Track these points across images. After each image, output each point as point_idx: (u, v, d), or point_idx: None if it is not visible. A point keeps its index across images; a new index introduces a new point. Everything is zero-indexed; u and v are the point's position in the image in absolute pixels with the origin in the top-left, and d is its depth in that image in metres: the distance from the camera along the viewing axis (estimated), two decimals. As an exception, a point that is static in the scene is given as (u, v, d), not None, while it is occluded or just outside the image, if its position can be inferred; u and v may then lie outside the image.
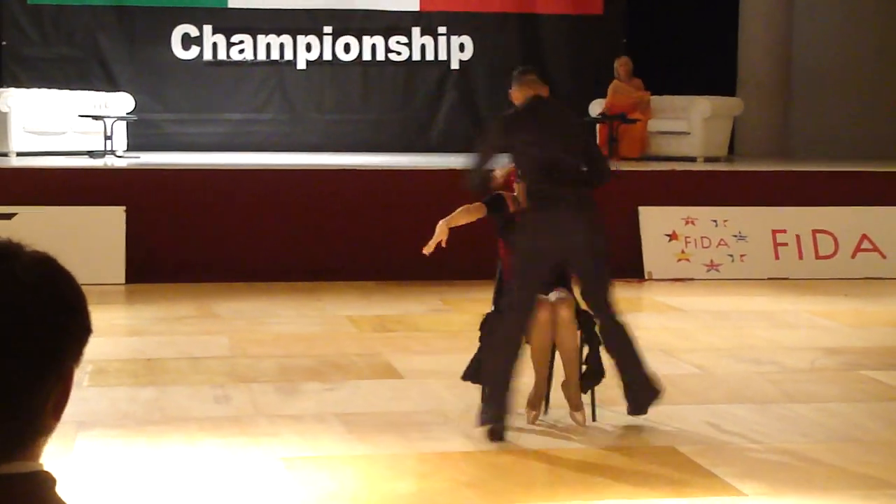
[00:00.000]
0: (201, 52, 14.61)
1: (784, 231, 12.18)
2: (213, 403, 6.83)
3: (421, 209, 11.76)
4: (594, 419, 6.43)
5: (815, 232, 12.24)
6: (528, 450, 5.93)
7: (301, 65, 14.76)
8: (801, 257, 12.16)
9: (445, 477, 5.49)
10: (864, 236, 12.26)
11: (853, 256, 12.23)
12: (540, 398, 6.43)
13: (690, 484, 5.42)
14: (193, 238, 11.29)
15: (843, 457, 5.93)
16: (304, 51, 14.74)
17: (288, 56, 14.73)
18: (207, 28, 14.63)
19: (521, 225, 6.37)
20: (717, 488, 5.36)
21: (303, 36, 14.74)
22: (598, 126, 13.85)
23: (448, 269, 11.49)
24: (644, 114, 13.91)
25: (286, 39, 14.73)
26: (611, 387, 6.59)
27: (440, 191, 11.85)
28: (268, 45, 14.71)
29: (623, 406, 6.50)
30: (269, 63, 14.72)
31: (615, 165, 12.76)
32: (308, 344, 8.56)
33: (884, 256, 12.23)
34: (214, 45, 14.64)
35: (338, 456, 5.80)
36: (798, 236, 12.19)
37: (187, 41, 14.62)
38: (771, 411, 6.83)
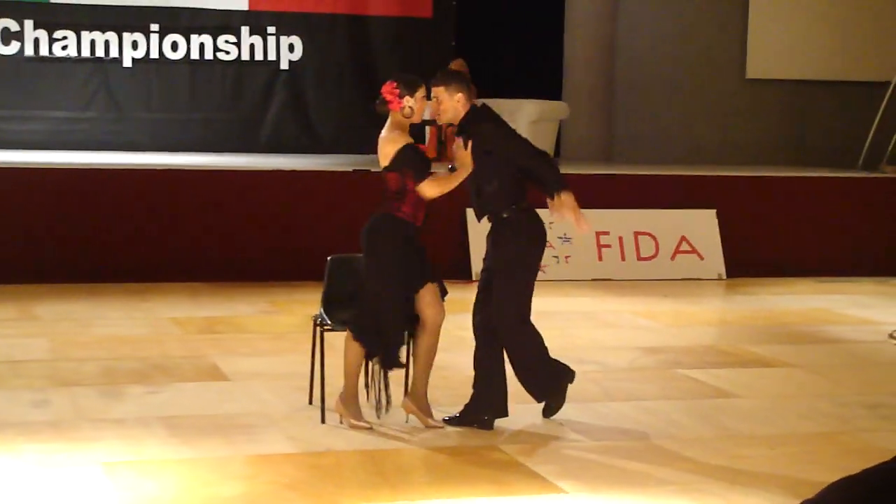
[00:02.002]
0: (22, 47, 14.24)
1: (607, 233, 12.46)
2: (32, 408, 6.68)
3: (250, 210, 11.70)
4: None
5: (636, 234, 12.55)
6: (352, 451, 5.96)
7: (127, 62, 14.49)
8: (623, 259, 12.46)
9: (269, 479, 5.48)
10: (683, 238, 12.63)
11: (673, 258, 12.58)
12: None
13: (512, 482, 5.52)
14: (12, 238, 11.02)
15: (660, 454, 6.10)
16: (130, 48, 14.48)
17: (113, 53, 14.45)
18: (29, 23, 14.25)
19: (530, 235, 6.56)
20: (538, 486, 5.47)
21: (128, 33, 14.47)
22: (427, 129, 13.95)
23: (276, 271, 11.47)
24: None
25: (111, 36, 14.45)
26: (435, 387, 6.66)
27: (269, 191, 11.82)
28: (92, 42, 14.40)
29: (449, 406, 6.60)
30: (94, 60, 14.42)
31: (442, 168, 12.91)
32: (133, 346, 8.43)
33: (702, 258, 12.61)
34: (36, 40, 14.28)
35: (160, 460, 5.74)
36: (621, 238, 12.49)
37: (7, 36, 14.23)
38: (592, 410, 6.99)
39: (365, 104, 14.96)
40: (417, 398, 6.45)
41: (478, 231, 12.05)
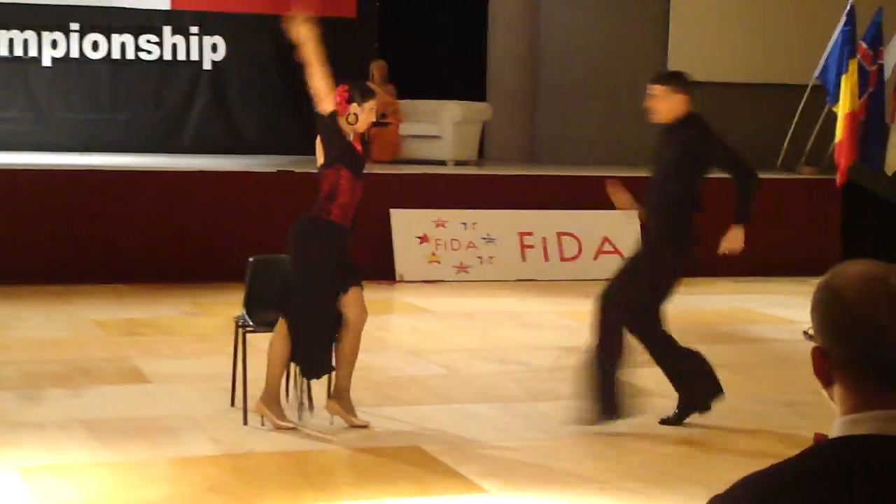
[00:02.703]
0: (-61, 46, 14.04)
1: (531, 234, 12.53)
2: (-51, 412, 6.59)
3: (174, 211, 11.62)
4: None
5: (559, 234, 12.63)
6: (275, 452, 5.95)
7: (46, 62, 14.32)
8: (546, 259, 12.53)
9: (191, 482, 5.45)
10: (606, 239, 12.72)
11: (595, 258, 12.67)
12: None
13: (435, 482, 5.53)
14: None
15: (582, 452, 6.17)
16: (50, 47, 14.31)
17: (32, 53, 14.27)
18: (-54, 21, 14.06)
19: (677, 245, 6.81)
20: (461, 486, 5.49)
21: (48, 32, 14.30)
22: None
23: (200, 272, 11.38)
24: (395, 118, 14.07)
25: (30, 35, 14.26)
26: (357, 388, 6.66)
27: (192, 192, 11.74)
28: (10, 41, 14.21)
29: (371, 407, 6.61)
30: (13, 59, 14.22)
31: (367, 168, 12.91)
32: (54, 349, 8.34)
33: (624, 258, 12.70)
34: (-47, 39, 14.09)
35: (80, 464, 5.69)
36: (544, 239, 12.56)
37: (-77, 35, 14.01)
38: (515, 410, 7.03)
39: (289, 105, 15.02)
40: (342, 399, 6.44)
41: (402, 232, 12.08)
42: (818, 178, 13.53)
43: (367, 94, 6.40)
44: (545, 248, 12.56)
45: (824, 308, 1.91)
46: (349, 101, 6.34)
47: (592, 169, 13.91)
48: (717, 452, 6.21)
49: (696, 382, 6.70)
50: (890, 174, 13.37)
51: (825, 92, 13.27)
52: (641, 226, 6.95)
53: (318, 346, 6.35)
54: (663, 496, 5.39)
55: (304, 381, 6.49)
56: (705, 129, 6.71)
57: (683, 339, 9.39)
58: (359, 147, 6.49)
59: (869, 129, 13.08)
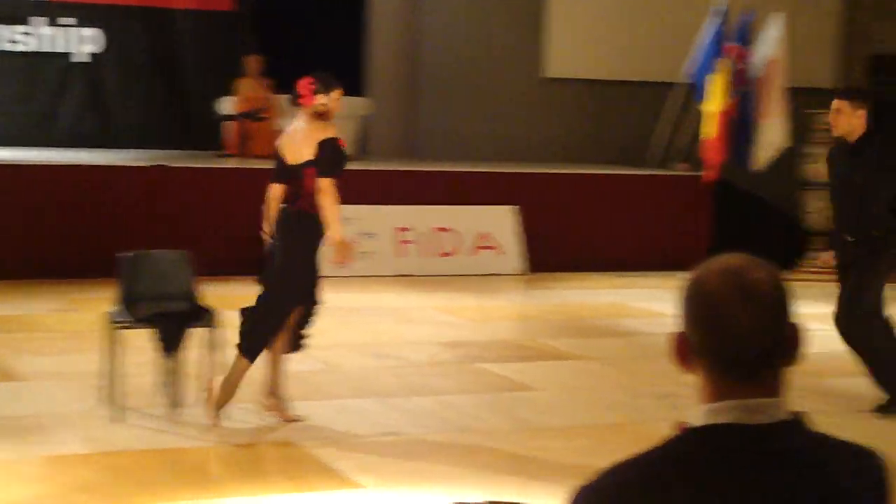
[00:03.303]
0: None
1: (409, 229, 12.56)
2: None
3: (48, 205, 11.39)
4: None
5: (438, 230, 12.68)
6: (149, 450, 5.88)
7: (-87, 52, 13.96)
8: (425, 254, 12.57)
9: (63, 481, 5.36)
10: (484, 234, 12.81)
11: (474, 254, 12.75)
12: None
13: (310, 478, 5.52)
14: None
15: (458, 446, 6.20)
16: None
17: None
18: None
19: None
20: (336, 482, 5.49)
21: (-85, 22, 13.95)
22: (229, 124, 13.81)
23: (75, 268, 11.19)
24: (272, 113, 13.96)
25: None
26: (251, 384, 6.61)
27: (65, 186, 11.52)
28: None
29: (247, 403, 6.57)
30: None
31: (245, 163, 12.81)
32: (-81, 347, 8.13)
33: (502, 253, 12.82)
34: None
35: (-53, 464, 5.56)
36: (423, 234, 12.60)
37: None
38: (393, 404, 7.05)
39: (166, 99, 14.84)
40: (278, 395, 6.49)
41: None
42: (689, 175, 13.78)
43: (330, 84, 6.40)
44: (424, 244, 12.59)
45: (686, 297, 1.96)
46: (315, 94, 6.35)
47: (472, 164, 13.99)
48: (592, 445, 6.28)
49: None
50: (758, 171, 13.67)
51: (696, 90, 13.51)
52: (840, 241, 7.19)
53: (273, 332, 6.36)
54: (539, 490, 5.44)
55: (176, 377, 6.42)
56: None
57: (557, 333, 9.54)
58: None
59: (739, 127, 13.35)
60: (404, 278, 12.15)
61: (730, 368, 1.92)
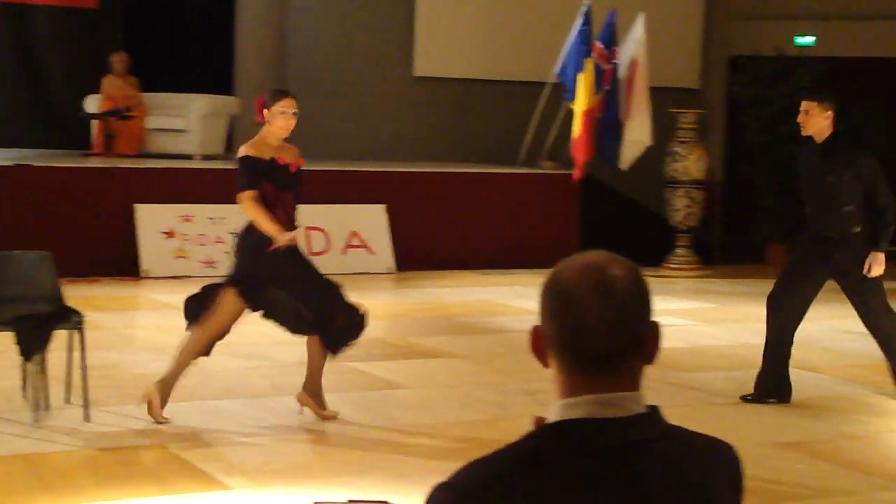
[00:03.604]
0: None
1: (279, 228, 12.47)
2: None
3: None
4: (87, 419, 6.35)
5: (307, 229, 12.62)
6: (10, 456, 5.77)
7: None
8: (295, 254, 12.50)
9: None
10: (354, 233, 12.81)
11: (344, 253, 12.75)
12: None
13: (177, 481, 5.47)
14: None
15: (327, 446, 6.22)
16: None
17: None
18: None
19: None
20: (203, 484, 5.45)
21: None
22: (94, 122, 13.61)
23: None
24: (139, 111, 13.78)
25: None
26: (101, 387, 6.54)
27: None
28: None
29: (115, 406, 6.50)
30: None
31: (111, 163, 12.62)
32: None
33: (372, 252, 12.84)
34: None
35: None
36: (293, 233, 12.53)
37: None
38: (261, 405, 7.02)
39: (30, 97, 14.53)
40: (317, 393, 6.62)
41: (147, 227, 11.85)
42: (558, 173, 13.96)
43: (276, 96, 6.59)
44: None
45: (544, 290, 1.98)
46: (266, 107, 6.55)
47: (342, 163, 13.98)
48: (460, 442, 6.33)
49: None
50: (624, 169, 13.91)
51: (564, 89, 13.68)
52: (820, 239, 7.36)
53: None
54: (406, 488, 5.47)
55: (43, 381, 6.31)
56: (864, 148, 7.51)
57: (427, 331, 9.59)
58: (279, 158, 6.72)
59: (605, 125, 13.56)
60: (274, 278, 12.06)
61: (584, 363, 1.94)
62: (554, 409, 1.98)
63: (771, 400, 7.47)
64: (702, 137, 14.86)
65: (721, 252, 15.45)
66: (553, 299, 1.96)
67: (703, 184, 14.60)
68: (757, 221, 15.48)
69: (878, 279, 7.28)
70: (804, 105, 7.19)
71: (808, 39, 17.06)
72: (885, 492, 5.76)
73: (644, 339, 1.97)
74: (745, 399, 7.49)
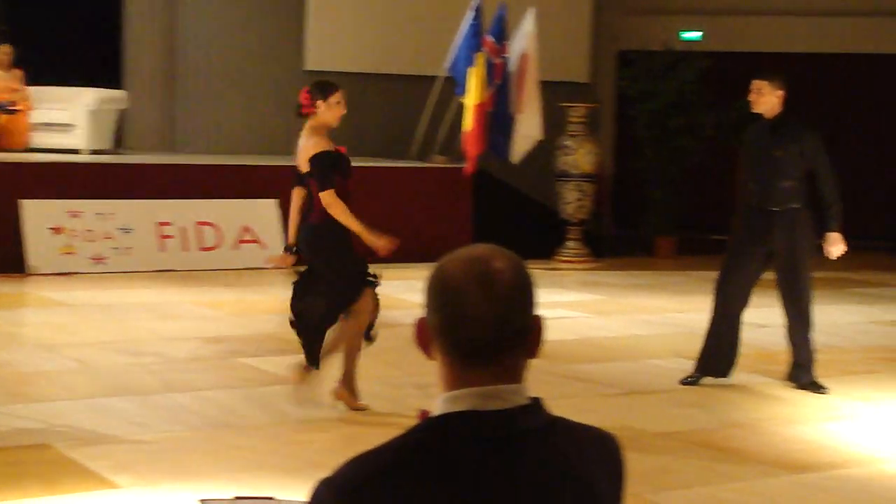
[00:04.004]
0: None
1: (169, 223, 12.38)
2: None
3: None
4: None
5: (199, 224, 12.54)
6: None
7: None
8: (185, 249, 12.41)
9: None
10: (247, 228, 12.73)
11: (236, 247, 12.66)
12: None
13: (64, 481, 5.39)
14: None
15: (217, 442, 6.16)
16: None
17: None
18: None
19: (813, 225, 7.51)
20: (92, 483, 5.38)
21: None
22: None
23: None
24: (24, 105, 13.53)
25: None
26: (-16, 387, 6.42)
27: None
28: None
29: (2, 406, 6.38)
30: None
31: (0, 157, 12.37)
32: None
33: (265, 247, 12.75)
34: None
35: None
36: (183, 228, 12.44)
37: None
38: (151, 402, 6.95)
39: None
40: (352, 386, 6.82)
41: (34, 223, 11.65)
42: (450, 167, 14.00)
43: (327, 89, 6.80)
44: (184, 238, 12.43)
45: (428, 283, 1.99)
46: (313, 102, 6.74)
47: (232, 157, 13.88)
48: (350, 437, 6.34)
49: None
50: (515, 163, 14.00)
51: (455, 83, 13.73)
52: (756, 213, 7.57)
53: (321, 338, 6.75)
54: (297, 483, 5.45)
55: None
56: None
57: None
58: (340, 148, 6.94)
59: (496, 119, 13.64)
60: (165, 274, 11.96)
61: (467, 355, 1.95)
62: (438, 403, 1.99)
63: (708, 378, 7.67)
64: (592, 131, 15.02)
65: (611, 244, 15.64)
66: (437, 292, 1.98)
67: (593, 177, 14.77)
68: (646, 214, 15.71)
69: (810, 272, 7.51)
70: (756, 84, 7.48)
71: (695, 34, 17.34)
72: (769, 478, 5.88)
73: (527, 331, 1.98)
74: (685, 382, 7.67)
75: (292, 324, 6.95)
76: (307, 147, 6.74)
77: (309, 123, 6.80)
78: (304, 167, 6.76)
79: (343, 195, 6.75)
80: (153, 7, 15.42)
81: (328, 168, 6.70)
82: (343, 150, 6.91)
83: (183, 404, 6.92)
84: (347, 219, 6.72)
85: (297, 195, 6.99)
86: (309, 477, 1.92)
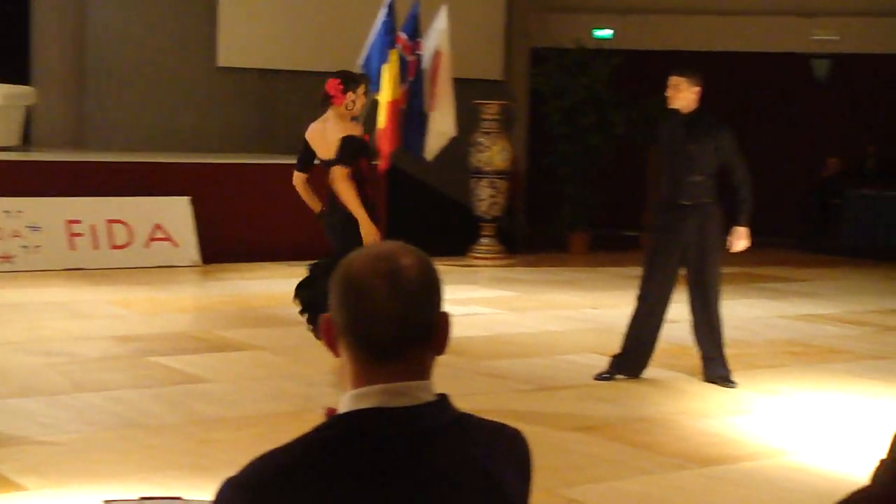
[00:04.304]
0: None
1: (79, 221, 12.23)
2: None
3: None
4: None
5: (109, 222, 12.40)
6: None
7: None
8: (96, 247, 12.26)
9: None
10: (158, 226, 12.61)
11: (147, 245, 12.54)
12: None
13: (-31, 483, 5.32)
14: None
15: (128, 442, 6.09)
16: None
17: None
18: None
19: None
20: (-2, 485, 5.31)
21: None
22: None
23: None
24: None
25: None
26: None
27: None
28: None
29: None
30: None
31: None
32: None
33: (176, 245, 12.66)
34: None
35: None
36: (93, 226, 12.29)
37: None
38: (60, 402, 6.86)
39: None
40: None
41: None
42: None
43: (357, 80, 7.17)
44: (95, 236, 12.29)
45: (335, 280, 1.98)
46: (344, 93, 7.04)
47: (143, 155, 13.75)
48: (265, 435, 6.30)
49: None
50: (429, 160, 14.01)
51: (369, 80, 13.68)
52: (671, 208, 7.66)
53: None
54: (208, 483, 5.42)
55: None
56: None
57: (231, 324, 9.53)
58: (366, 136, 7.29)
59: (410, 117, 13.63)
60: (75, 272, 11.82)
61: (373, 352, 1.95)
62: (344, 400, 1.99)
63: (620, 376, 7.75)
64: (505, 128, 15.09)
65: (525, 241, 15.74)
66: (343, 289, 1.97)
67: (507, 174, 14.84)
68: (559, 211, 15.82)
69: (719, 268, 7.63)
70: (673, 80, 7.60)
71: (607, 32, 17.50)
72: (678, 471, 5.96)
73: (433, 328, 1.98)
74: (599, 377, 7.75)
75: (301, 312, 7.36)
76: (336, 130, 7.05)
77: (336, 111, 7.12)
78: (329, 153, 7.06)
79: (359, 179, 7.10)
80: (62, 5, 15.21)
81: (355, 150, 7.05)
82: (367, 137, 7.33)
83: (93, 404, 6.84)
84: (352, 199, 7.04)
85: (298, 177, 7.48)
86: (220, 476, 1.91)
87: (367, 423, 1.95)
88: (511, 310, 10.75)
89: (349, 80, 7.14)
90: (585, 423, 6.82)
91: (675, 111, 7.70)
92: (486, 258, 14.50)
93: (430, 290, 1.98)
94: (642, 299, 7.74)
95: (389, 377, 1.96)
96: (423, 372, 1.99)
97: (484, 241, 14.70)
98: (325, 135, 7.14)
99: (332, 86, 7.10)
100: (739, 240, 7.66)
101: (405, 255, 1.97)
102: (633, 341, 7.77)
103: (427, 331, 1.98)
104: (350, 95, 7.08)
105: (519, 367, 8.20)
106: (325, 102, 7.18)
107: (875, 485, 2.50)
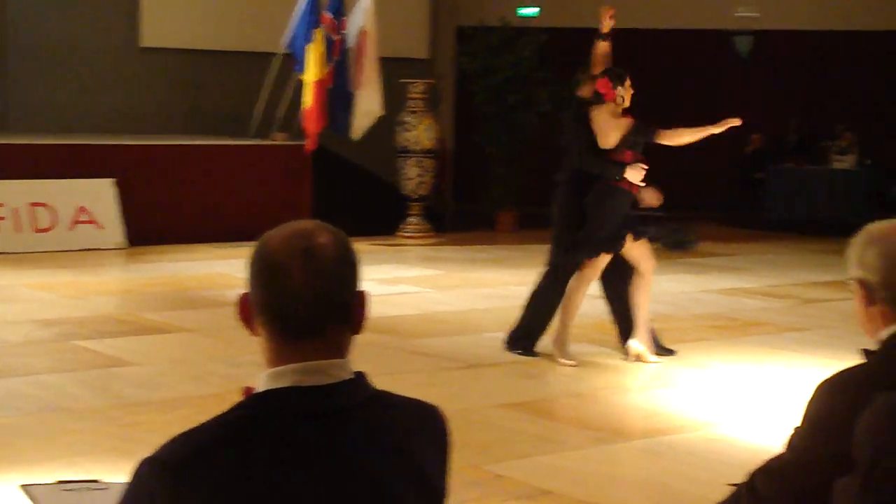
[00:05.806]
0: None
1: (1, 205, 12.06)
2: None
3: None
4: None
5: (32, 205, 12.24)
6: None
7: None
8: (19, 230, 12.11)
9: None
10: (82, 208, 12.48)
11: (72, 228, 12.40)
12: None
13: None
14: None
15: (51, 427, 6.03)
16: None
17: None
18: None
19: None
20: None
21: None
22: None
23: None
24: None
25: None
26: None
27: None
28: None
29: None
30: None
31: None
32: None
33: (101, 227, 12.53)
34: None
35: None
36: (16, 210, 12.14)
37: None
38: (-18, 388, 6.77)
39: None
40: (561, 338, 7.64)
41: None
42: (290, 144, 13.92)
43: (622, 76, 7.48)
44: (17, 220, 12.13)
45: (251, 258, 1.98)
46: (613, 89, 7.42)
47: (66, 137, 13.58)
48: (191, 417, 6.24)
49: None
50: (356, 140, 13.98)
51: (294, 60, 13.64)
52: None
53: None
54: (128, 466, 5.37)
55: None
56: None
57: (157, 307, 9.46)
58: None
59: (336, 96, 13.60)
60: (-3, 256, 11.67)
61: (290, 331, 1.95)
62: (261, 379, 1.99)
63: (518, 351, 7.83)
64: (432, 107, 15.08)
65: (452, 220, 15.76)
66: (259, 267, 1.96)
67: (434, 153, 14.84)
68: (487, 189, 15.85)
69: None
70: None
71: (532, 10, 17.53)
72: (604, 444, 6.01)
73: (350, 307, 1.98)
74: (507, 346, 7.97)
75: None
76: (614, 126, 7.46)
77: (609, 108, 7.45)
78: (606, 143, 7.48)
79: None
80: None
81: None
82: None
83: (15, 389, 6.76)
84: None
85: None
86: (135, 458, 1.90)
87: (282, 401, 1.95)
88: (439, 288, 10.76)
89: (615, 77, 7.46)
90: (513, 399, 6.85)
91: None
92: (413, 237, 14.50)
93: (347, 268, 1.98)
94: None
95: (306, 356, 1.96)
96: (339, 350, 1.99)
97: (412, 220, 14.70)
98: (602, 125, 7.50)
99: (602, 84, 7.44)
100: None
101: (322, 233, 1.96)
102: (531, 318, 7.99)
103: (343, 309, 1.98)
104: (619, 90, 7.41)
105: (446, 345, 8.22)
106: (598, 100, 7.46)
107: (788, 451, 2.57)
